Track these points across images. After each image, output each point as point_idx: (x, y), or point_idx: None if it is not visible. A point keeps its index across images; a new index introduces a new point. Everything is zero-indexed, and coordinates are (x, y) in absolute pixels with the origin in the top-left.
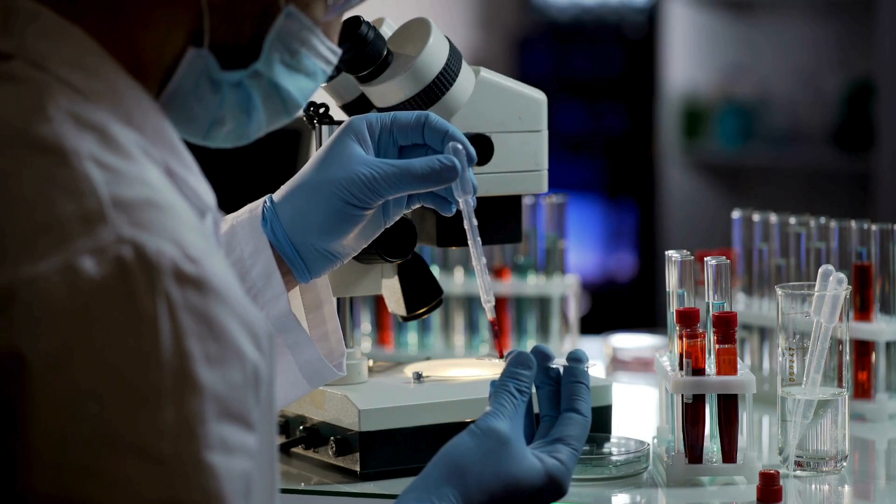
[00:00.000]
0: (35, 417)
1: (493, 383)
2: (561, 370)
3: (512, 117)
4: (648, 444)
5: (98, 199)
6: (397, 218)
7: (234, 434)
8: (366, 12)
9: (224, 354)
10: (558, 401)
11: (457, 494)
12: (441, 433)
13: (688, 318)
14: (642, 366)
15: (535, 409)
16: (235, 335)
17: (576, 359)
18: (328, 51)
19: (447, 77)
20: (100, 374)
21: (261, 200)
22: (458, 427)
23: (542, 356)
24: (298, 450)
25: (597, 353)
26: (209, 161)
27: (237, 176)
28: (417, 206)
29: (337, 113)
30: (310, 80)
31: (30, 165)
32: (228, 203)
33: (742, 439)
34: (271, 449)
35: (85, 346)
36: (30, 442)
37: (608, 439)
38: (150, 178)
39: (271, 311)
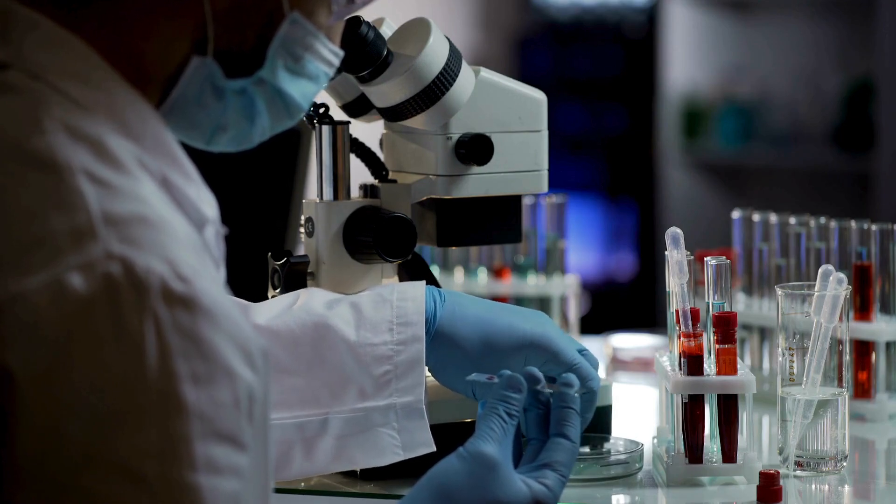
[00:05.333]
0: (20, 431)
1: (483, 405)
2: (550, 394)
3: (512, 117)
4: (642, 445)
5: (89, 214)
6: None
7: (222, 454)
8: (366, 12)
9: (212, 374)
10: (546, 424)
11: None
12: (441, 433)
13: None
14: (642, 366)
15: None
16: (225, 354)
17: (566, 383)
18: (331, 54)
19: (447, 77)
20: (84, 392)
21: (423, 299)
22: (458, 427)
23: (532, 379)
24: None
25: (597, 352)
26: (209, 161)
27: (237, 176)
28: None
29: (337, 113)
30: (312, 83)
31: (21, 179)
32: (228, 202)
33: (742, 439)
34: (265, 467)
35: (70, 363)
36: (15, 455)
37: (605, 440)
38: (143, 192)
39: (403, 396)
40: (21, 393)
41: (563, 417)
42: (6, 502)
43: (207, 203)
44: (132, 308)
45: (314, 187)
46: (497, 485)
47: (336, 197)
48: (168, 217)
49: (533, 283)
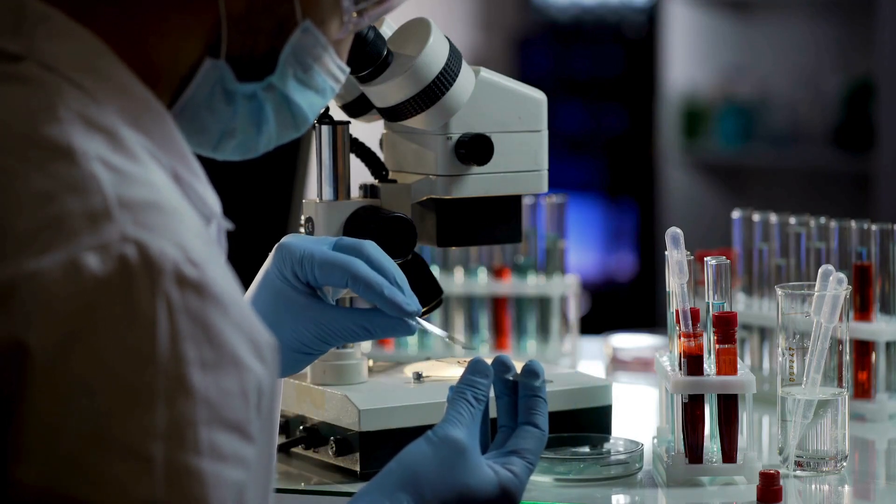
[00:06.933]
0: (31, 408)
1: (452, 389)
2: (516, 381)
3: (512, 117)
4: (642, 445)
5: (104, 197)
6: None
7: (227, 442)
8: None
9: (219, 361)
10: (517, 412)
11: (411, 501)
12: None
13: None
14: (642, 366)
15: (493, 414)
16: (233, 343)
17: (531, 372)
18: (338, 69)
19: (447, 77)
20: (95, 370)
21: None
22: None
23: (502, 366)
24: (298, 450)
25: (597, 353)
26: (210, 160)
27: (237, 176)
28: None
29: (337, 113)
30: (319, 96)
31: (37, 164)
32: (229, 202)
33: (742, 439)
34: (269, 460)
35: (83, 341)
36: (23, 432)
37: (605, 440)
38: (156, 181)
39: None
40: (34, 369)
41: (531, 406)
42: (9, 478)
43: (212, 200)
44: (145, 290)
45: (314, 187)
46: (465, 470)
47: (336, 197)
48: (179, 207)
49: (533, 283)
